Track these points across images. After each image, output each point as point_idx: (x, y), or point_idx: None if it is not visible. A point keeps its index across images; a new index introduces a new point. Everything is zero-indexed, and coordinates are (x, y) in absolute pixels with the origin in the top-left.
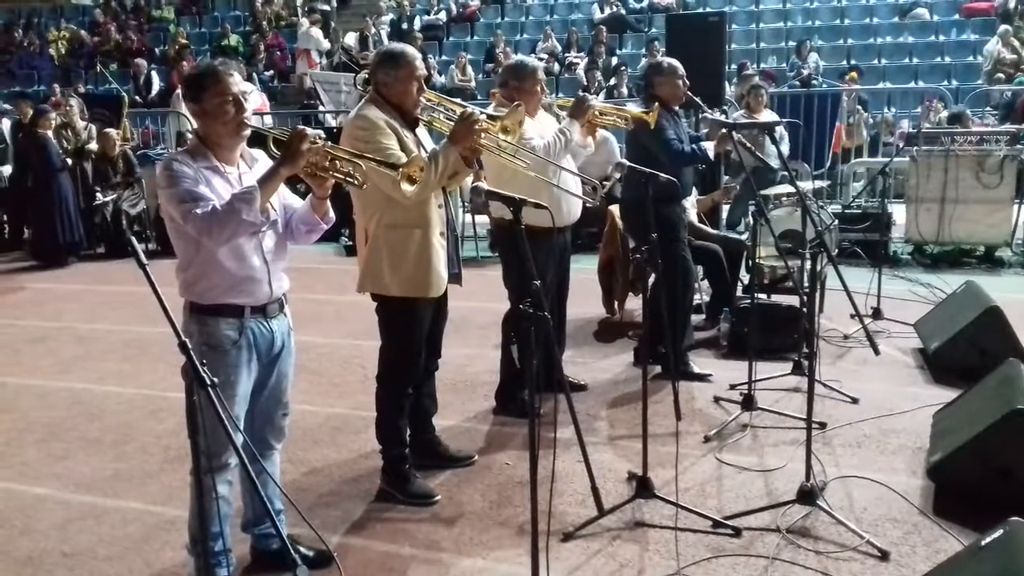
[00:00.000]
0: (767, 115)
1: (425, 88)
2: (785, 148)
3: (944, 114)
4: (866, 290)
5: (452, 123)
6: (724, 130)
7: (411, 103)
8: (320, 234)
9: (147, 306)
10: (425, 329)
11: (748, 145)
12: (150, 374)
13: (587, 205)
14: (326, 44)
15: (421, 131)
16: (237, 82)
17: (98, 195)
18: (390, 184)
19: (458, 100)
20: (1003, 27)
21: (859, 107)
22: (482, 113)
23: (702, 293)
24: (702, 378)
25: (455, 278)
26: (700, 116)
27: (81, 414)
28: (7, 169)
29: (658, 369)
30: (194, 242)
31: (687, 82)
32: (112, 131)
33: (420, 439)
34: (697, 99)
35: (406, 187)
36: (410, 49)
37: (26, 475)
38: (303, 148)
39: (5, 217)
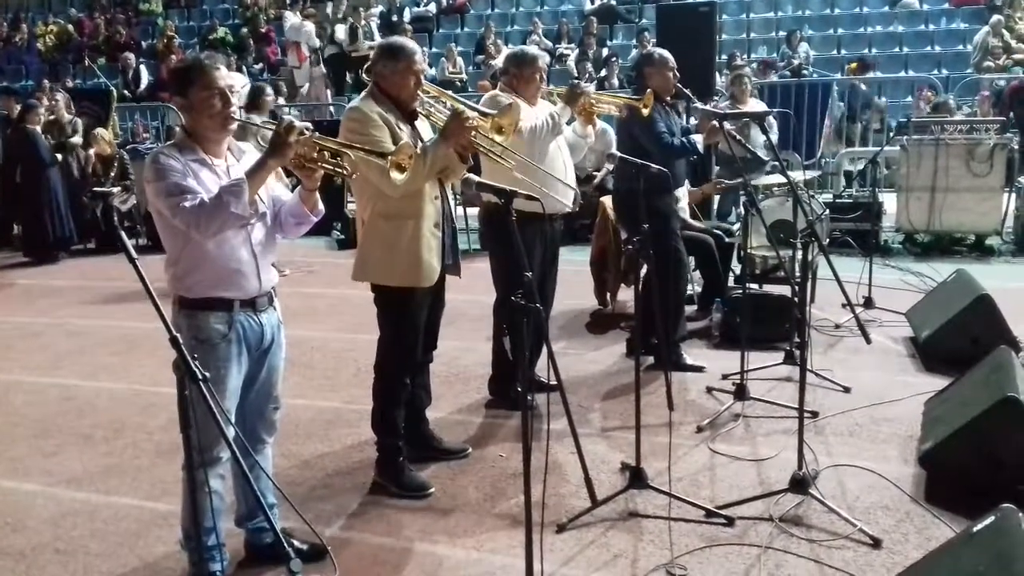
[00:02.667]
0: (753, 104)
1: (423, 82)
2: (774, 138)
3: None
4: (857, 279)
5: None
6: (714, 121)
7: (408, 97)
8: (309, 226)
9: (138, 301)
10: (422, 318)
11: (738, 137)
12: (141, 369)
13: (566, 211)
14: (316, 41)
15: (422, 124)
16: (224, 76)
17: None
18: (378, 175)
19: (457, 96)
20: (995, 17)
21: (840, 103)
22: (474, 110)
23: (694, 284)
24: (695, 369)
25: (452, 268)
26: (691, 107)
27: (72, 410)
28: None
29: (651, 360)
30: (182, 236)
31: (678, 74)
32: (101, 131)
33: (414, 432)
34: (687, 91)
35: (395, 175)
36: (410, 43)
37: (17, 471)
38: (291, 140)
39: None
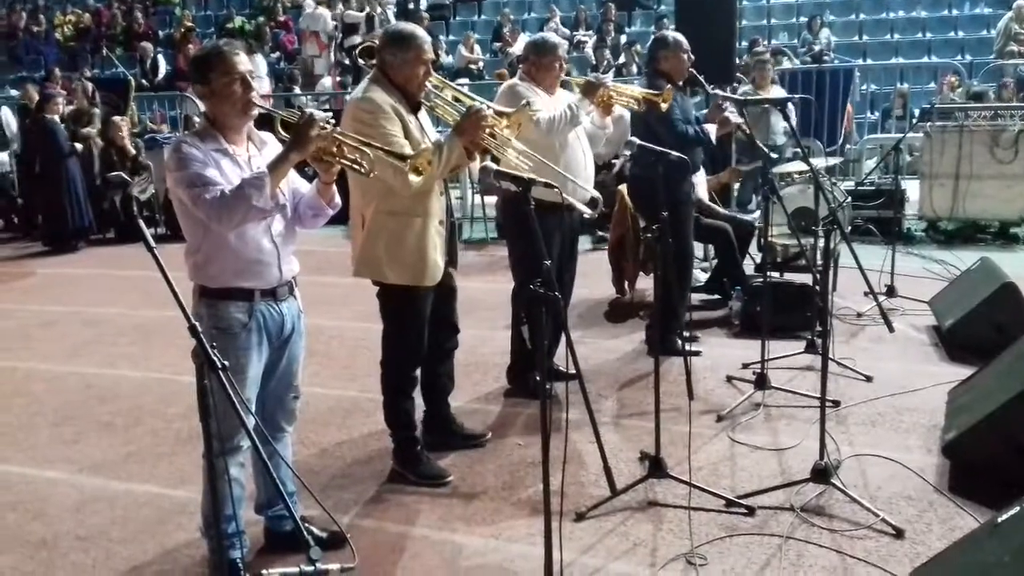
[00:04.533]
0: (775, 91)
1: (432, 72)
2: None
3: (957, 91)
4: (880, 267)
5: (455, 108)
6: (725, 112)
7: (416, 86)
8: (327, 219)
9: (157, 290)
10: (426, 314)
11: (748, 130)
12: (161, 358)
13: (584, 216)
14: (331, 24)
15: (422, 114)
16: (244, 61)
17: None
18: (392, 173)
19: (466, 91)
20: (1018, 2)
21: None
22: (489, 108)
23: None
24: (691, 354)
25: (449, 262)
26: (709, 93)
27: (92, 398)
28: (2, 156)
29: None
30: (203, 225)
31: (692, 57)
32: (118, 119)
33: (436, 416)
34: (700, 77)
35: (413, 178)
36: (420, 31)
37: (38, 459)
38: (312, 134)
39: (21, 202)
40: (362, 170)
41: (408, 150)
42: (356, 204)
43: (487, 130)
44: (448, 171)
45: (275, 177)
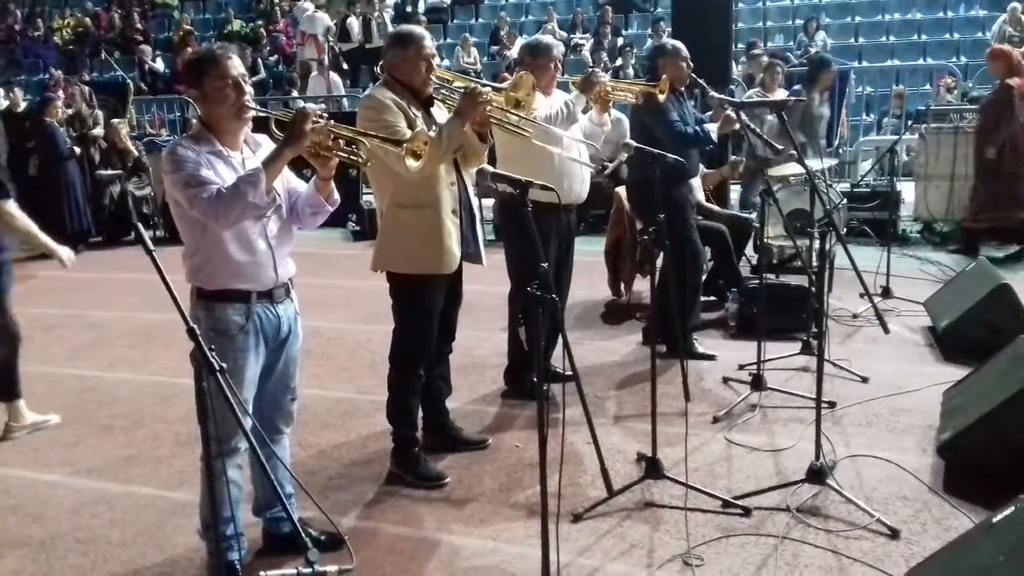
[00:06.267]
0: (781, 94)
1: (434, 67)
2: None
3: (953, 93)
4: (875, 269)
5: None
6: (728, 111)
7: (420, 82)
8: (325, 216)
9: (156, 293)
10: (438, 308)
11: (751, 126)
12: (159, 360)
13: (594, 173)
14: (327, 21)
15: (439, 112)
16: (236, 65)
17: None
18: (395, 158)
19: (468, 77)
20: (1013, 4)
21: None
22: (486, 86)
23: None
24: (707, 358)
25: (472, 256)
26: (707, 96)
27: (92, 400)
28: None
29: (663, 349)
30: (199, 227)
31: (691, 64)
32: (118, 120)
33: (434, 423)
34: (701, 80)
35: (411, 162)
36: (418, 29)
37: (38, 462)
38: (306, 128)
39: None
40: (359, 161)
41: (406, 136)
42: (376, 201)
43: (485, 107)
44: (452, 152)
45: (270, 173)
